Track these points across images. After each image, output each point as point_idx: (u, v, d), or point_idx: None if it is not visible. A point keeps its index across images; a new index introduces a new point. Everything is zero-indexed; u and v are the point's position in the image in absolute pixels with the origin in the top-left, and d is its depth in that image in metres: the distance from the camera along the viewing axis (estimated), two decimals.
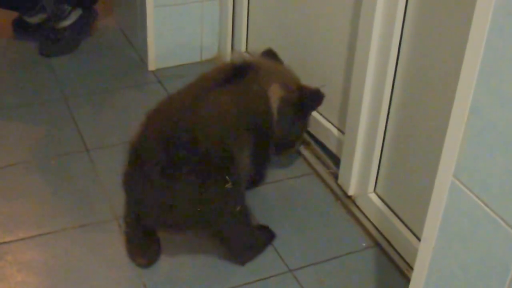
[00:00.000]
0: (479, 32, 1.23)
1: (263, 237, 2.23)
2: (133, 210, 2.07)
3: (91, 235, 2.23)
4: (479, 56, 1.24)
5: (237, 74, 2.15)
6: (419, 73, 2.00)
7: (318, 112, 2.61)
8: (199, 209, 1.95)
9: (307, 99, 2.30)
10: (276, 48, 2.48)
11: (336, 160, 2.51)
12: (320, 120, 2.59)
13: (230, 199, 2.00)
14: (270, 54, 2.42)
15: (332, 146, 2.55)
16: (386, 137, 2.19)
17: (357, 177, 2.34)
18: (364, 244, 2.25)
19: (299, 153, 2.63)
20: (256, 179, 2.42)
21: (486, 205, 1.29)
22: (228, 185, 1.95)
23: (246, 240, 2.15)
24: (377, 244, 2.24)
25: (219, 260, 2.16)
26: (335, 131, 2.52)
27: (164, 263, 2.15)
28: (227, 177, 1.95)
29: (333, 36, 2.42)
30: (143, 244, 2.15)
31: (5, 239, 2.20)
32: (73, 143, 2.66)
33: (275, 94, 2.20)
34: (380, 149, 2.22)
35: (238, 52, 3.10)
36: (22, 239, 2.20)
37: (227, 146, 1.98)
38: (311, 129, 2.65)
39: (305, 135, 2.66)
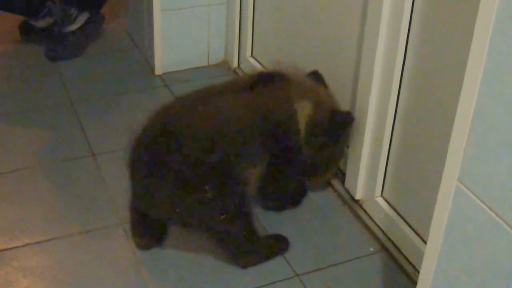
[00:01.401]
0: (482, 37, 1.23)
1: (273, 245, 2.20)
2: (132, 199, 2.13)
3: (97, 240, 2.23)
4: (482, 60, 1.23)
5: (261, 81, 2.12)
6: (425, 77, 1.99)
7: None
8: (179, 212, 1.98)
9: (335, 120, 2.20)
10: (280, 53, 2.47)
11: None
12: None
13: (209, 208, 1.97)
14: (316, 76, 2.33)
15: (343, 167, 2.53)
16: (393, 141, 2.18)
17: (364, 181, 2.33)
18: (371, 249, 2.23)
19: (329, 184, 2.51)
20: (272, 201, 2.37)
21: (490, 209, 1.28)
22: (207, 195, 1.93)
23: (244, 245, 2.11)
24: (384, 249, 2.22)
25: (226, 264, 2.15)
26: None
27: (170, 267, 2.14)
28: (206, 186, 1.93)
29: (339, 42, 2.40)
30: (143, 227, 2.17)
31: (10, 245, 2.19)
32: (79, 147, 2.66)
33: (304, 110, 2.13)
34: (387, 153, 2.21)
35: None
36: (28, 244, 2.20)
37: (217, 152, 1.95)
38: None
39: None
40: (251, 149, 2.04)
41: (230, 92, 2.10)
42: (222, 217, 1.98)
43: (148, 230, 2.18)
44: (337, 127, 2.22)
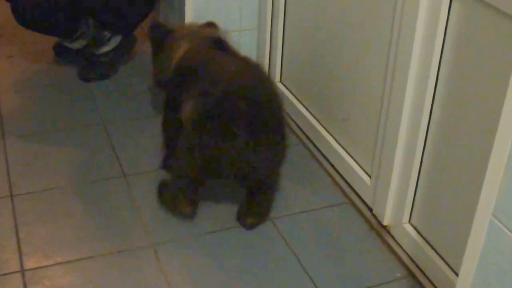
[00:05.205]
0: None
1: None
2: (195, 168, 2.25)
3: (127, 260, 2.25)
4: None
5: (219, 44, 2.56)
6: (456, 105, 2.00)
7: (350, 155, 2.65)
8: (252, 165, 2.21)
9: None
10: (309, 79, 2.50)
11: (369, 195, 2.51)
12: (351, 164, 2.62)
13: (279, 151, 2.32)
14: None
15: (364, 194, 2.56)
16: (422, 168, 2.19)
17: (392, 207, 2.34)
18: (398, 274, 2.24)
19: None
20: None
21: None
22: (276, 138, 2.29)
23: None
24: (411, 275, 2.23)
25: (255, 281, 2.17)
26: (366, 178, 2.53)
27: (189, 280, 2.17)
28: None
29: (368, 69, 2.41)
30: (189, 197, 2.36)
31: (42, 264, 2.22)
32: (111, 168, 2.69)
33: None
34: (415, 179, 2.22)
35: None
36: (60, 263, 2.23)
37: (275, 98, 2.34)
38: (341, 169, 2.68)
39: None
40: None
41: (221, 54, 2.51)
42: (284, 159, 2.37)
43: (194, 198, 2.39)
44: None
